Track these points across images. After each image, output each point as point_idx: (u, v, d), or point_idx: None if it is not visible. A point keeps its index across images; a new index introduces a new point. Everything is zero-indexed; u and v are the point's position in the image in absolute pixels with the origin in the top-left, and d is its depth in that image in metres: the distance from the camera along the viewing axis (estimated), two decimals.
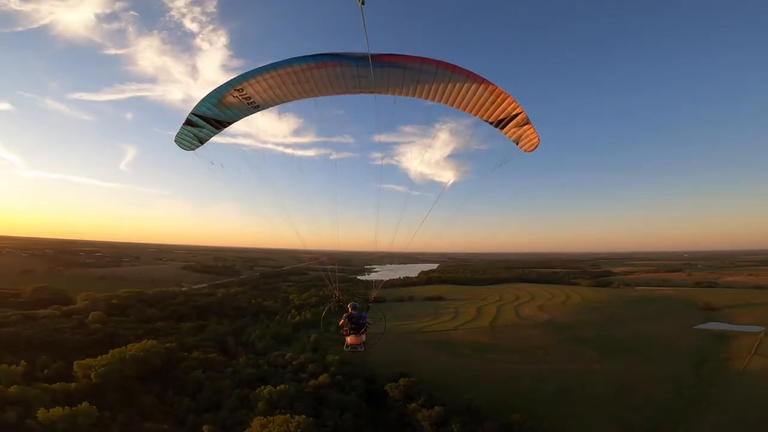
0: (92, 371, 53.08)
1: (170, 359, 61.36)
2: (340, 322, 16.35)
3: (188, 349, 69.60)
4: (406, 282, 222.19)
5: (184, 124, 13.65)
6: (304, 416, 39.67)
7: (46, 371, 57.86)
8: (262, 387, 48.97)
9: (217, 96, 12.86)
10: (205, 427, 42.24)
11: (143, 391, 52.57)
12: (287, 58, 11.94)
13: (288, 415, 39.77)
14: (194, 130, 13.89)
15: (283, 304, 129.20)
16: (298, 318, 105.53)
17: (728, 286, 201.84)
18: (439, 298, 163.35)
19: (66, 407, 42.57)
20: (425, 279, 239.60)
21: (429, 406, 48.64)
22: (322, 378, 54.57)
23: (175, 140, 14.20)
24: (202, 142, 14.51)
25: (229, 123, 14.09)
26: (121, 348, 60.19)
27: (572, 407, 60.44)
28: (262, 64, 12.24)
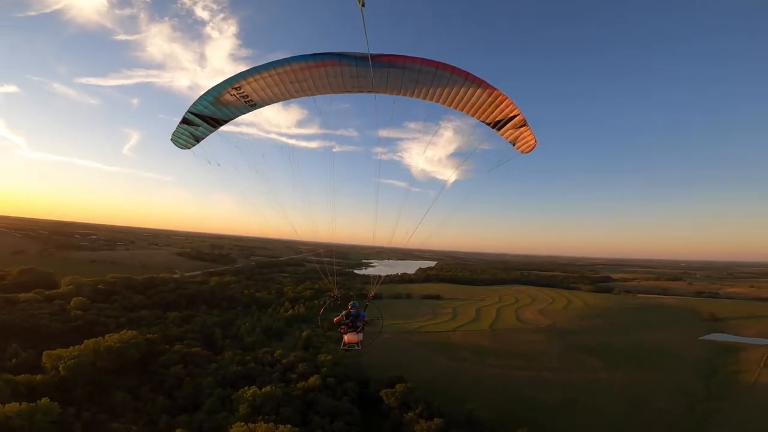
0: (61, 363, 48.88)
1: (150, 352, 57.19)
2: (336, 319, 16.09)
3: (171, 341, 65.45)
4: (404, 279, 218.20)
5: (180, 122, 13.48)
6: (289, 426, 35.57)
7: (14, 361, 53.77)
8: (246, 388, 44.80)
9: (214, 94, 12.70)
10: (178, 431, 38.09)
11: (116, 386, 48.45)
12: (287, 56, 11.89)
13: (272, 423, 35.65)
14: (190, 128, 13.70)
15: (276, 296, 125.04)
16: (291, 312, 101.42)
17: (730, 297, 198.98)
18: (437, 297, 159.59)
19: (24, 402, 38.47)
20: (423, 276, 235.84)
21: (428, 416, 44.63)
22: (313, 380, 50.43)
23: (171, 139, 13.95)
24: (198, 140, 14.28)
25: (226, 121, 13.94)
26: (97, 338, 55.93)
27: (577, 419, 56.69)
28: (265, 60, 12.15)
